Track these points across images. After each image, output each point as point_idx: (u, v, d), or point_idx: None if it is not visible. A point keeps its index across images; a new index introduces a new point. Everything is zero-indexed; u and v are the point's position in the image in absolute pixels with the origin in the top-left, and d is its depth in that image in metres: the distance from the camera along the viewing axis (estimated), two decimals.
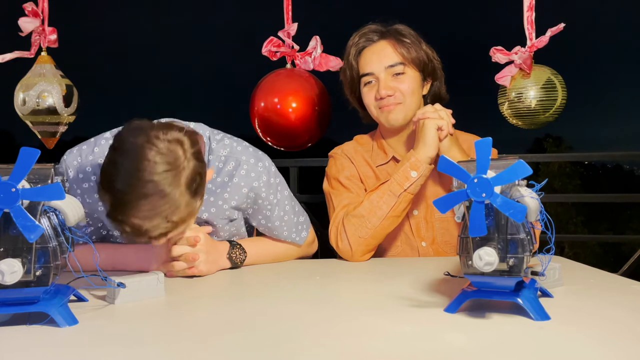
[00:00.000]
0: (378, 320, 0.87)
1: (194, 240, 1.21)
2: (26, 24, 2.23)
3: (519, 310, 0.86)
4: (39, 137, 2.34)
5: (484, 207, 0.80)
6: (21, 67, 2.32)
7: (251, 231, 1.49)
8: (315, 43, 2.08)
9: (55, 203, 0.86)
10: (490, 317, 0.86)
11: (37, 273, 0.82)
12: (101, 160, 1.18)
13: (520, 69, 2.08)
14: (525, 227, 0.83)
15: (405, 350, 0.73)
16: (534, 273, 0.91)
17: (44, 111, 2.24)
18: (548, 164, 24.30)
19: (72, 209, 0.88)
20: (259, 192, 1.31)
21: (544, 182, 0.91)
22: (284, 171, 1.47)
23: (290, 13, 2.13)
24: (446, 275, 1.04)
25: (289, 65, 2.11)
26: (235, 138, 1.35)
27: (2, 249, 0.81)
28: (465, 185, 0.81)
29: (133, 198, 0.95)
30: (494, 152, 1.46)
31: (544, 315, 0.83)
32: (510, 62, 2.09)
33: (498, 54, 2.08)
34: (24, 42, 2.26)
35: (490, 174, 0.81)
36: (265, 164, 1.33)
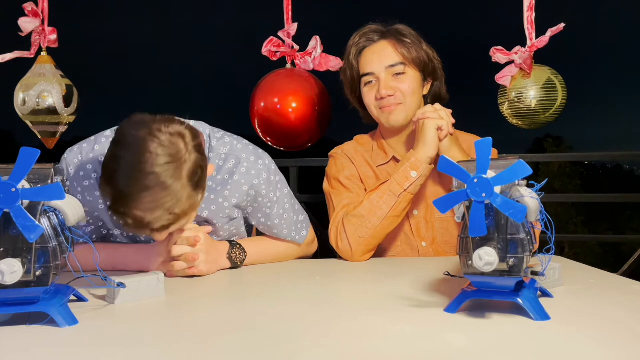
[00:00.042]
0: (378, 320, 0.87)
1: (194, 240, 1.21)
2: (26, 24, 2.23)
3: (519, 310, 0.86)
4: (39, 137, 2.34)
5: (484, 207, 0.80)
6: (21, 67, 2.32)
7: (250, 231, 1.49)
8: (315, 43, 2.08)
9: (55, 203, 0.86)
10: (490, 317, 0.86)
11: (37, 273, 0.82)
12: (102, 158, 1.20)
13: (521, 69, 2.08)
14: (525, 227, 0.83)
15: (405, 350, 0.73)
16: (534, 273, 0.91)
17: (44, 111, 2.24)
18: (548, 164, 24.30)
19: (72, 209, 0.88)
20: (259, 189, 1.32)
21: (544, 182, 0.91)
22: (284, 171, 1.47)
23: (290, 13, 2.13)
24: (446, 275, 1.04)
25: (289, 65, 2.11)
26: (236, 136, 1.35)
27: (2, 249, 0.81)
28: (465, 185, 0.81)
29: (135, 190, 0.96)
30: (494, 152, 1.46)
31: (544, 315, 0.83)
32: (511, 62, 2.09)
33: (498, 54, 2.08)
34: (24, 42, 2.27)
35: (490, 174, 0.81)
36: (265, 161, 1.34)
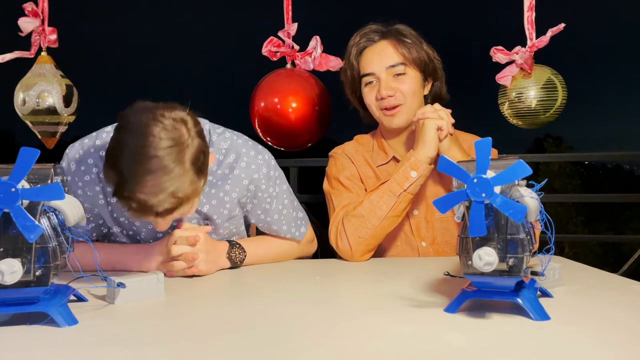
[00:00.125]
0: (378, 320, 0.87)
1: (194, 240, 1.21)
2: (26, 24, 2.23)
3: (519, 310, 0.86)
4: (39, 137, 2.35)
5: (484, 207, 0.80)
6: (21, 67, 2.32)
7: (249, 232, 1.49)
8: (315, 43, 2.08)
9: (55, 203, 0.86)
10: (490, 317, 0.86)
11: (37, 273, 0.82)
12: (103, 153, 1.21)
13: (521, 68, 2.08)
14: (525, 227, 0.83)
15: (405, 350, 0.73)
16: (534, 273, 0.91)
17: (44, 111, 2.24)
18: (548, 164, 24.30)
19: (71, 209, 0.88)
20: (258, 184, 1.33)
21: (544, 182, 0.91)
22: (284, 171, 1.47)
23: (290, 13, 2.13)
24: (446, 275, 1.04)
25: (289, 65, 2.11)
26: (236, 132, 1.37)
27: (2, 249, 0.81)
28: (465, 185, 0.81)
29: (138, 174, 0.97)
30: (494, 152, 1.46)
31: (544, 315, 0.83)
32: (511, 62, 2.09)
33: (499, 54, 2.08)
34: (24, 42, 2.27)
35: (490, 174, 0.81)
36: (265, 157, 1.35)
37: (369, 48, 1.50)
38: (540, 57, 2.09)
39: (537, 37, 2.06)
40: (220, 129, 1.34)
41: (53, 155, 1.41)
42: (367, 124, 1.63)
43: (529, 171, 0.78)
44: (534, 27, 2.06)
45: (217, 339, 0.79)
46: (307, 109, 2.00)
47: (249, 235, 1.48)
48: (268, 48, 2.10)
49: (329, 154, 1.62)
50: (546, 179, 0.97)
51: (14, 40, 2.29)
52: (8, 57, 2.26)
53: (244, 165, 1.31)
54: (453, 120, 1.41)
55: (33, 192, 0.80)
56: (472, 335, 0.78)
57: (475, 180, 0.80)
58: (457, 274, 1.01)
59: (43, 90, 2.23)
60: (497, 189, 0.80)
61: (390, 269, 1.34)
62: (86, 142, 1.27)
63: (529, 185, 0.89)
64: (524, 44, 2.07)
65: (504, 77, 2.10)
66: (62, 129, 2.34)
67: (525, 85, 2.09)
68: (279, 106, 1.99)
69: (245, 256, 1.32)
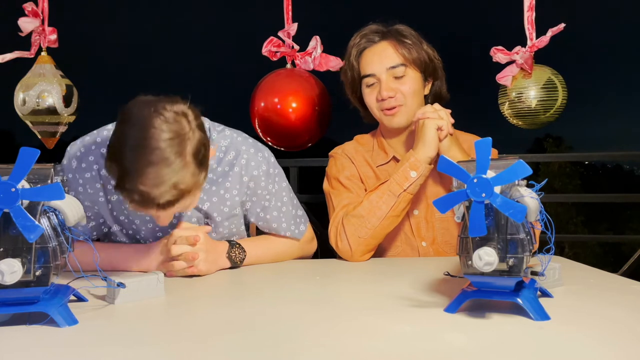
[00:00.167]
0: (378, 320, 0.87)
1: (194, 240, 1.21)
2: (26, 24, 2.23)
3: (519, 310, 0.86)
4: (39, 137, 2.34)
5: (484, 207, 0.80)
6: (21, 67, 2.32)
7: (249, 232, 1.49)
8: (315, 43, 2.08)
9: (55, 203, 0.86)
10: (490, 317, 0.86)
11: (37, 273, 0.82)
12: (103, 150, 1.23)
13: (522, 68, 2.08)
14: (525, 227, 0.83)
15: (405, 350, 0.73)
16: (534, 273, 0.91)
17: (44, 111, 2.24)
18: (548, 164, 24.29)
19: (71, 209, 0.88)
20: (258, 181, 1.34)
21: (544, 182, 0.91)
22: (284, 171, 1.48)
23: (290, 13, 2.13)
24: (446, 275, 1.04)
25: (289, 65, 2.11)
26: (236, 130, 1.38)
27: (2, 249, 0.81)
28: (465, 185, 0.81)
29: (140, 165, 0.99)
30: (494, 152, 1.46)
31: (544, 315, 0.83)
32: (511, 62, 2.09)
33: (499, 54, 2.08)
34: (24, 42, 2.27)
35: (490, 174, 0.81)
36: (264, 154, 1.37)
37: (369, 49, 1.50)
38: (541, 57, 2.09)
39: (537, 37, 2.06)
40: (220, 127, 1.35)
41: (53, 155, 1.41)
42: (367, 124, 1.63)
43: (529, 171, 0.78)
44: (534, 27, 2.06)
45: (217, 339, 0.79)
46: (307, 109, 2.00)
47: (249, 236, 1.48)
48: (268, 48, 2.10)
49: (329, 154, 1.62)
50: (546, 179, 0.97)
51: (14, 40, 2.29)
52: (8, 57, 2.26)
53: (244, 162, 1.32)
54: (453, 120, 1.41)
55: (33, 192, 0.80)
56: (472, 335, 0.78)
57: (475, 180, 0.80)
58: (457, 274, 1.01)
59: (43, 90, 2.23)
60: (497, 189, 0.80)
61: (390, 269, 1.34)
62: (87, 139, 1.28)
63: (529, 185, 0.89)
64: (524, 44, 2.07)
65: (504, 77, 2.10)
66: (62, 129, 2.34)
67: (526, 85, 2.09)
68: (279, 106, 1.99)
69: (245, 256, 1.32)
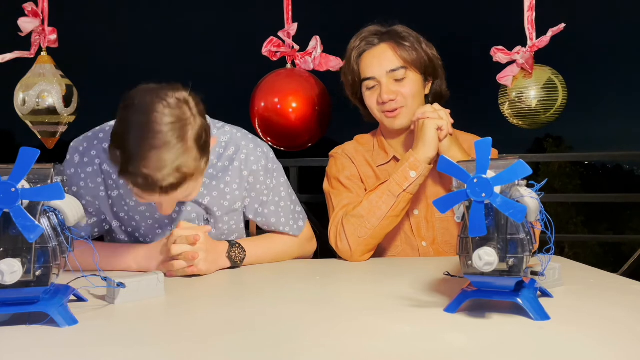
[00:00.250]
0: (378, 320, 0.87)
1: (194, 239, 1.21)
2: (26, 24, 2.23)
3: (519, 310, 0.86)
4: (39, 137, 2.34)
5: (484, 207, 0.80)
6: (21, 67, 2.32)
7: (249, 232, 1.50)
8: (315, 43, 2.08)
9: (55, 203, 0.86)
10: (490, 317, 0.86)
11: (37, 273, 0.82)
12: (106, 145, 1.26)
13: (522, 68, 2.08)
14: (525, 227, 0.83)
15: (405, 350, 0.73)
16: (534, 273, 0.91)
17: (44, 111, 2.24)
18: (548, 164, 24.29)
19: (71, 209, 0.88)
20: (257, 176, 1.36)
21: (544, 182, 0.91)
22: (284, 171, 1.48)
23: (290, 13, 2.13)
24: (446, 275, 1.04)
25: (289, 65, 2.11)
26: (235, 126, 1.40)
27: (2, 249, 0.81)
28: (465, 185, 0.81)
29: (143, 149, 1.01)
30: (494, 152, 1.46)
31: (544, 315, 0.83)
32: (512, 62, 2.09)
33: (499, 54, 2.08)
34: (24, 42, 2.27)
35: (490, 174, 0.81)
36: (264, 149, 1.39)
37: (369, 52, 1.49)
38: (541, 57, 2.09)
39: (537, 37, 2.06)
40: (220, 123, 1.37)
41: (53, 155, 1.41)
42: (367, 124, 1.63)
43: (529, 171, 0.78)
44: (534, 27, 2.06)
45: (217, 339, 0.79)
46: (307, 109, 2.00)
47: (248, 235, 1.48)
48: (268, 48, 2.10)
49: (329, 153, 1.62)
50: (546, 179, 0.97)
51: (14, 40, 2.29)
52: (8, 57, 2.26)
53: (244, 157, 1.34)
54: (452, 121, 1.41)
55: (33, 192, 0.80)
56: (472, 335, 0.78)
57: (475, 180, 0.80)
58: (457, 274, 1.01)
59: (43, 90, 2.23)
60: (497, 189, 0.80)
61: (390, 269, 1.34)
62: (90, 135, 1.31)
63: (529, 185, 0.89)
64: (524, 44, 2.07)
65: (505, 77, 2.10)
66: (62, 129, 2.34)
67: (526, 85, 2.09)
68: (279, 106, 1.99)
69: (245, 256, 1.32)
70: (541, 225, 0.88)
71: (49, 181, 0.85)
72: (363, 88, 1.51)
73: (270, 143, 2.09)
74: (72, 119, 2.34)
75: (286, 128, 2.01)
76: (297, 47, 2.10)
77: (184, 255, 1.20)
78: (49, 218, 0.86)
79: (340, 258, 1.45)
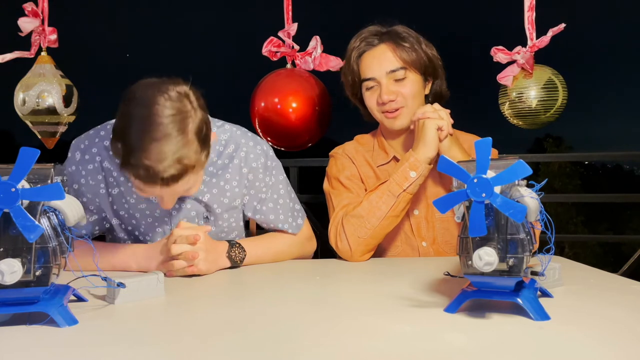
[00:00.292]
0: (378, 320, 0.87)
1: (194, 239, 1.21)
2: (26, 24, 2.23)
3: (519, 310, 0.86)
4: (39, 137, 2.35)
5: (484, 207, 0.80)
6: (21, 67, 2.32)
7: (249, 231, 1.50)
8: (315, 43, 2.08)
9: (55, 203, 0.86)
10: (490, 317, 0.86)
11: (37, 273, 0.82)
12: (107, 143, 1.28)
13: (523, 68, 2.08)
14: (525, 227, 0.83)
15: (405, 350, 0.73)
16: (534, 273, 0.91)
17: (44, 111, 2.25)
18: (548, 164, 24.29)
19: (72, 209, 0.88)
20: (256, 173, 1.37)
21: (544, 182, 0.91)
22: (284, 171, 1.48)
23: (290, 13, 2.13)
24: (446, 275, 1.04)
25: (289, 65, 2.11)
26: (235, 125, 1.41)
27: (2, 249, 0.81)
28: (465, 185, 0.81)
29: (144, 141, 1.03)
30: (494, 153, 1.46)
31: (544, 315, 0.83)
32: (512, 62, 2.09)
33: (499, 54, 2.08)
34: (24, 42, 2.27)
35: (490, 174, 0.81)
36: (263, 147, 1.41)
37: (369, 52, 1.49)
38: (541, 57, 2.09)
39: (537, 37, 2.06)
40: (220, 122, 1.39)
41: (53, 155, 1.42)
42: (367, 124, 1.63)
43: (529, 171, 0.78)
44: (534, 27, 2.06)
45: (217, 339, 0.79)
46: (307, 109, 2.00)
47: (248, 234, 1.49)
48: (268, 48, 2.11)
49: (330, 153, 1.62)
50: (546, 179, 0.96)
51: (14, 40, 2.29)
52: (8, 57, 2.26)
53: (243, 154, 1.36)
54: (452, 121, 1.41)
55: (33, 192, 0.80)
56: (472, 335, 0.78)
57: (475, 180, 0.80)
58: (457, 274, 1.01)
59: (43, 90, 2.23)
60: (497, 189, 0.80)
61: (390, 269, 1.34)
62: (91, 133, 1.33)
63: (529, 185, 0.89)
64: (524, 44, 2.07)
65: (505, 77, 2.10)
66: (62, 129, 2.34)
67: (526, 85, 2.09)
68: (279, 106, 1.99)
69: (245, 255, 1.32)
70: (541, 225, 0.88)
71: (49, 181, 0.85)
72: (363, 88, 1.51)
73: (270, 143, 2.09)
74: (72, 119, 2.34)
75: (286, 128, 2.01)
76: (297, 47, 2.10)
77: (184, 255, 1.20)
78: (49, 218, 0.86)
79: (340, 258, 1.45)
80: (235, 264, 1.31)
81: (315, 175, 2.17)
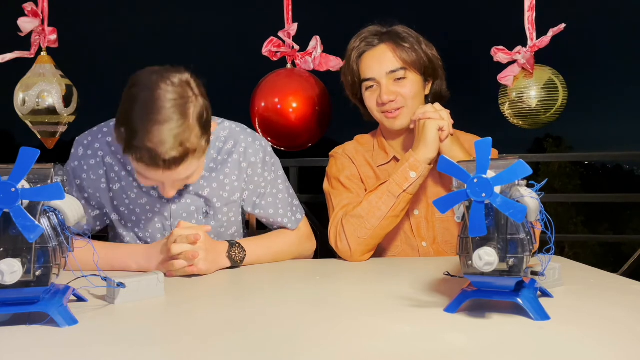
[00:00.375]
0: (378, 320, 0.87)
1: (194, 238, 1.21)
2: (26, 24, 2.23)
3: (519, 310, 0.86)
4: (39, 137, 2.34)
5: (484, 207, 0.80)
6: (21, 67, 2.32)
7: (249, 229, 1.51)
8: (315, 43, 2.08)
9: (55, 203, 0.86)
10: (490, 317, 0.86)
11: (37, 273, 0.82)
12: (109, 139, 1.33)
13: (524, 68, 2.07)
14: (525, 227, 0.83)
15: (405, 350, 0.73)
16: (534, 273, 0.91)
17: (44, 111, 2.25)
18: (548, 164, 24.30)
19: (72, 209, 0.88)
20: (255, 168, 1.40)
21: (544, 182, 0.91)
22: (284, 171, 1.49)
23: (290, 13, 2.13)
24: (446, 275, 1.04)
25: (289, 66, 2.11)
26: (234, 122, 1.44)
27: (2, 249, 0.81)
28: (465, 185, 0.81)
29: (147, 124, 1.07)
30: (494, 153, 1.46)
31: (544, 315, 0.83)
32: (512, 62, 2.09)
33: (500, 54, 2.08)
34: (24, 42, 2.27)
35: (490, 174, 0.81)
36: (262, 143, 1.43)
37: (369, 52, 1.49)
38: (541, 57, 2.09)
39: (537, 37, 2.06)
40: (219, 119, 1.41)
41: (53, 155, 1.43)
42: (367, 124, 1.63)
43: (529, 171, 0.78)
44: (535, 27, 2.06)
45: (217, 339, 0.79)
46: (307, 109, 2.00)
47: (248, 232, 1.49)
48: (268, 48, 2.10)
49: (330, 153, 1.62)
50: (546, 179, 0.96)
51: (14, 40, 2.29)
52: (8, 57, 2.26)
53: (242, 150, 1.38)
54: (452, 121, 1.41)
55: (33, 192, 0.80)
56: (472, 335, 0.78)
57: (475, 180, 0.80)
58: (457, 274, 1.01)
59: (43, 90, 2.23)
60: (497, 189, 0.80)
61: (390, 269, 1.34)
62: (94, 130, 1.36)
63: (529, 185, 0.89)
64: (524, 44, 2.07)
65: (506, 77, 2.10)
66: (61, 129, 2.34)
67: (526, 85, 2.09)
68: (279, 106, 1.99)
69: (245, 255, 1.32)
70: (541, 225, 0.88)
71: (49, 181, 0.85)
72: (363, 88, 1.51)
73: (270, 143, 2.09)
74: (72, 119, 2.34)
75: (286, 128, 2.01)
76: (297, 47, 2.10)
77: (184, 255, 1.21)
78: (49, 218, 0.86)
79: (340, 258, 1.45)
80: (235, 264, 1.31)
81: (315, 175, 2.17)
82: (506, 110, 2.16)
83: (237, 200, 1.41)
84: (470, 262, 0.84)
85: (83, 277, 0.92)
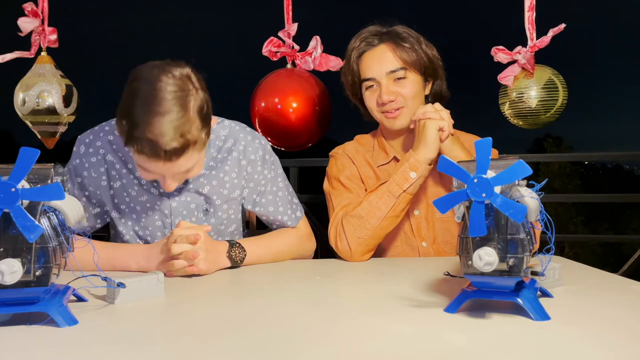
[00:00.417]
0: (378, 320, 0.87)
1: (194, 238, 1.21)
2: (26, 24, 2.23)
3: (519, 310, 0.86)
4: (39, 137, 2.35)
5: (484, 207, 0.80)
6: (21, 67, 2.33)
7: (248, 228, 1.51)
8: (315, 43, 2.08)
9: (55, 203, 0.86)
10: (490, 317, 0.86)
11: (37, 273, 0.82)
12: (111, 137, 1.35)
13: (524, 68, 2.07)
14: (525, 227, 0.83)
15: (405, 350, 0.73)
16: (534, 273, 0.91)
17: (44, 111, 2.25)
18: (548, 164, 24.31)
19: (72, 209, 0.88)
20: (255, 166, 1.41)
21: (544, 182, 0.91)
22: (284, 171, 1.49)
23: (290, 13, 2.13)
24: (446, 275, 1.04)
25: (289, 66, 2.11)
26: (234, 121, 1.45)
27: (2, 249, 0.81)
28: (465, 185, 0.81)
29: (148, 116, 1.08)
30: (494, 153, 1.46)
31: (544, 315, 0.83)
32: (513, 62, 2.09)
33: (500, 54, 2.08)
34: (24, 42, 2.27)
35: (490, 174, 0.81)
36: (261, 141, 1.45)
37: (369, 52, 1.49)
38: (541, 57, 2.10)
39: (537, 37, 2.06)
40: (219, 119, 1.42)
41: (53, 155, 1.43)
42: (367, 124, 1.63)
43: (529, 171, 0.78)
44: (535, 27, 2.06)
45: (217, 339, 0.79)
46: (307, 109, 2.00)
47: (248, 232, 1.49)
48: (268, 48, 2.11)
49: (330, 153, 1.62)
50: (546, 179, 0.96)
51: (14, 40, 2.29)
52: (8, 57, 2.26)
53: (242, 148, 1.40)
54: (452, 121, 1.41)
55: (33, 192, 0.80)
56: (472, 335, 0.78)
57: (475, 180, 0.80)
58: (457, 274, 1.01)
59: (43, 90, 2.23)
60: (497, 189, 0.80)
61: (390, 269, 1.34)
62: (96, 128, 1.38)
63: (529, 185, 0.89)
64: (524, 44, 2.07)
65: (506, 77, 2.10)
66: (61, 129, 2.34)
67: (526, 85, 2.09)
68: (279, 106, 1.99)
69: (245, 255, 1.32)
70: (541, 225, 0.88)
71: (49, 181, 0.85)
72: (363, 88, 1.51)
73: (270, 143, 2.09)
74: (72, 119, 2.34)
75: (286, 128, 2.01)
76: (297, 47, 2.10)
77: (184, 255, 1.21)
78: (49, 218, 0.86)
79: (340, 258, 1.45)
80: (235, 264, 1.31)
81: (315, 175, 2.17)
82: (506, 110, 2.16)
83: (236, 197, 1.42)
84: (470, 262, 0.84)
85: (83, 277, 0.92)
